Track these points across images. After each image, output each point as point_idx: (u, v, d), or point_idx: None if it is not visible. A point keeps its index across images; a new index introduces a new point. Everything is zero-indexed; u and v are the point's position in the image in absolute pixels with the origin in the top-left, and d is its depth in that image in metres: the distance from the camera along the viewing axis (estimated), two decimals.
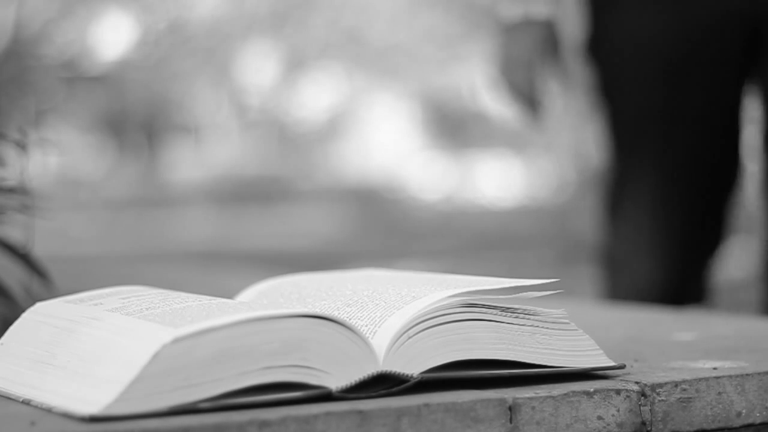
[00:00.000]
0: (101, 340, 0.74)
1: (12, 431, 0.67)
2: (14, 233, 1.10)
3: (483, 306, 0.78)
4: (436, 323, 0.76)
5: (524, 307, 0.80)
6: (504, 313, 0.79)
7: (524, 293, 0.81)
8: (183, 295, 0.82)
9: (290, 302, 0.86)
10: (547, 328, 0.80)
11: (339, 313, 0.80)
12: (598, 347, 0.82)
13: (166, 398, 0.68)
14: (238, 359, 0.70)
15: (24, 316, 0.83)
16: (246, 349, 0.70)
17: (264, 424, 0.67)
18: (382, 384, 0.74)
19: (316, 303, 0.83)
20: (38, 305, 0.83)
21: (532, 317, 0.80)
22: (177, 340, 0.69)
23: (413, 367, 0.75)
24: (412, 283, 0.84)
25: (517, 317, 0.79)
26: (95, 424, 0.67)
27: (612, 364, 0.81)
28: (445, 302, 0.77)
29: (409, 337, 0.75)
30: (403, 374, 0.75)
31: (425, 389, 0.76)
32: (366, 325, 0.77)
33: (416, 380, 0.75)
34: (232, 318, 0.71)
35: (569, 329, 0.81)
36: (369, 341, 0.74)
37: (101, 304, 0.81)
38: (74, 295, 0.84)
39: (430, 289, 0.80)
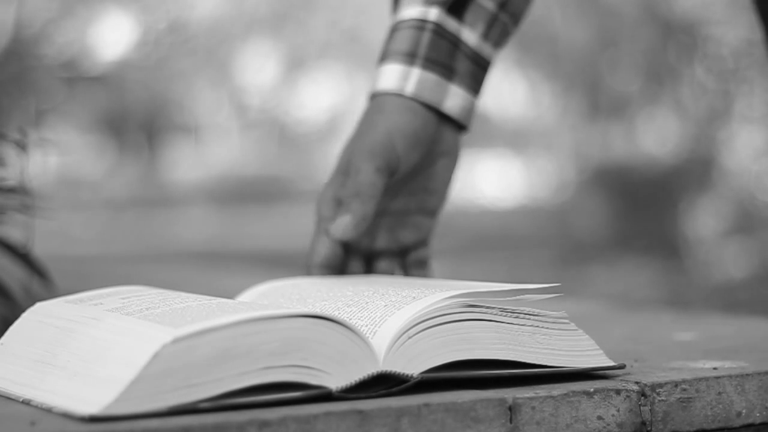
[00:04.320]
0: (101, 340, 0.74)
1: (12, 431, 0.67)
2: (14, 233, 1.10)
3: (483, 306, 0.78)
4: (436, 323, 0.76)
5: (524, 307, 0.80)
6: (504, 313, 0.79)
7: (525, 295, 0.81)
8: (183, 295, 0.82)
9: (291, 302, 0.86)
10: (547, 328, 0.80)
11: (339, 314, 0.80)
12: (598, 347, 0.82)
13: (166, 398, 0.68)
14: (238, 359, 0.70)
15: (24, 316, 0.83)
16: (246, 349, 0.70)
17: (264, 424, 0.67)
18: (382, 384, 0.74)
19: (317, 303, 0.83)
20: (38, 305, 0.83)
21: (532, 317, 0.80)
22: (177, 340, 0.69)
23: (413, 367, 0.75)
24: (413, 285, 0.84)
25: (517, 317, 0.79)
26: (95, 424, 0.67)
27: (612, 364, 0.81)
28: (445, 303, 0.77)
29: (409, 337, 0.75)
30: (403, 374, 0.75)
31: (425, 389, 0.76)
32: (366, 325, 0.77)
33: (416, 380, 0.75)
34: (232, 318, 0.71)
35: (569, 329, 0.81)
36: (369, 341, 0.74)
37: (101, 304, 0.81)
38: (74, 295, 0.85)
39: (431, 291, 0.80)
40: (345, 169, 0.97)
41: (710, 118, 7.27)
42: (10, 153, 1.09)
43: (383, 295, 0.81)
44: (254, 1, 11.34)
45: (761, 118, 6.98)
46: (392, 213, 1.01)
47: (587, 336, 0.82)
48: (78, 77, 11.37)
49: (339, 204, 0.97)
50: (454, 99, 1.00)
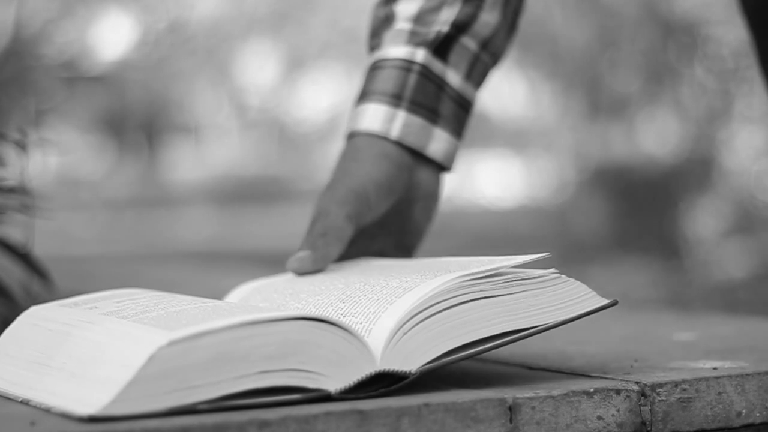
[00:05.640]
0: (97, 343, 0.74)
1: (12, 431, 0.67)
2: (14, 233, 1.10)
3: (474, 282, 0.78)
4: (429, 314, 0.76)
5: (514, 271, 0.80)
6: (495, 286, 0.78)
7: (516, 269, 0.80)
8: (179, 297, 0.82)
9: (284, 298, 0.86)
10: (539, 288, 0.80)
11: (332, 310, 0.80)
12: (590, 290, 0.81)
13: (164, 400, 0.68)
14: (234, 362, 0.70)
15: (19, 319, 0.83)
16: (243, 353, 0.70)
17: (264, 424, 0.67)
18: (381, 381, 0.74)
19: (310, 299, 0.83)
20: (33, 309, 0.83)
21: (523, 282, 0.79)
22: (172, 343, 0.69)
23: (411, 362, 0.75)
24: (403, 272, 0.84)
25: (506, 285, 0.79)
26: (95, 425, 0.67)
27: (605, 302, 0.81)
28: (436, 291, 0.77)
29: (405, 333, 0.75)
30: (402, 371, 0.74)
31: (425, 389, 0.76)
32: (361, 323, 0.77)
33: (415, 376, 0.75)
34: (227, 321, 0.70)
35: (560, 282, 0.81)
36: (366, 341, 0.74)
37: (96, 307, 0.80)
38: (69, 299, 0.84)
39: (422, 277, 0.80)
40: (319, 217, 0.96)
41: (710, 118, 7.27)
42: (10, 153, 1.09)
43: (374, 286, 0.81)
44: (254, 1, 11.34)
45: (761, 118, 6.98)
46: (371, 254, 1.00)
47: (578, 282, 0.81)
48: (78, 77, 11.37)
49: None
50: (438, 143, 0.99)
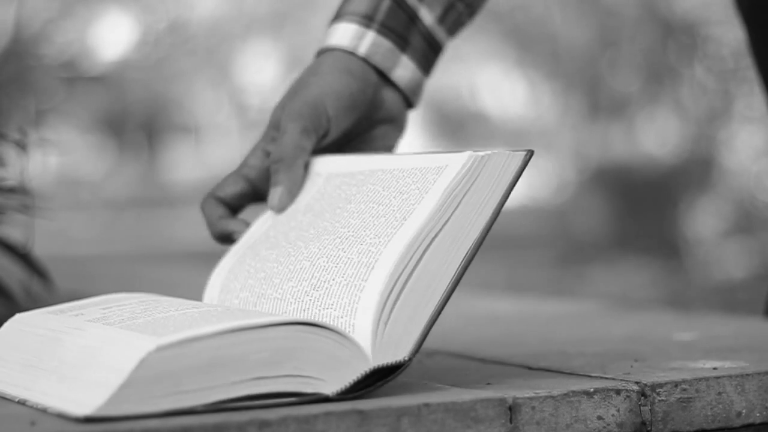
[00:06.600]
0: (88, 348, 0.74)
1: (12, 431, 0.67)
2: (14, 233, 1.10)
3: (425, 234, 0.77)
4: (398, 291, 0.75)
5: (457, 182, 0.79)
6: (437, 221, 0.78)
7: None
8: (165, 303, 0.81)
9: (261, 285, 0.84)
10: (470, 187, 0.79)
11: (309, 299, 0.79)
12: (506, 151, 0.80)
13: (158, 403, 0.68)
14: (228, 368, 0.69)
15: (6, 325, 0.82)
16: (236, 359, 0.70)
17: (264, 424, 0.67)
18: (377, 374, 0.74)
19: (284, 285, 0.82)
20: (18, 316, 0.83)
21: (457, 194, 0.78)
22: (160, 349, 0.69)
23: (402, 349, 0.75)
24: (359, 234, 0.82)
25: (447, 210, 0.78)
26: (95, 424, 0.67)
27: (523, 153, 0.80)
28: (396, 261, 0.76)
29: (386, 323, 0.75)
30: (396, 362, 0.74)
31: (425, 389, 0.76)
32: (341, 316, 0.76)
33: (409, 364, 0.75)
34: (215, 328, 0.70)
35: (483, 164, 0.79)
36: (357, 342, 0.74)
37: (82, 314, 0.80)
38: (54, 306, 0.84)
39: (378, 242, 0.79)
40: (276, 124, 0.95)
41: (710, 118, 7.27)
42: (10, 153, 1.09)
43: (338, 264, 0.80)
44: (254, 1, 11.34)
45: (761, 118, 6.99)
46: None
47: (495, 151, 0.80)
48: (78, 77, 11.36)
49: (266, 155, 0.95)
50: (404, 70, 0.99)
